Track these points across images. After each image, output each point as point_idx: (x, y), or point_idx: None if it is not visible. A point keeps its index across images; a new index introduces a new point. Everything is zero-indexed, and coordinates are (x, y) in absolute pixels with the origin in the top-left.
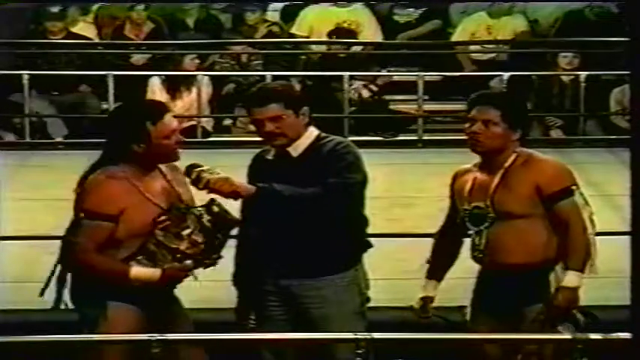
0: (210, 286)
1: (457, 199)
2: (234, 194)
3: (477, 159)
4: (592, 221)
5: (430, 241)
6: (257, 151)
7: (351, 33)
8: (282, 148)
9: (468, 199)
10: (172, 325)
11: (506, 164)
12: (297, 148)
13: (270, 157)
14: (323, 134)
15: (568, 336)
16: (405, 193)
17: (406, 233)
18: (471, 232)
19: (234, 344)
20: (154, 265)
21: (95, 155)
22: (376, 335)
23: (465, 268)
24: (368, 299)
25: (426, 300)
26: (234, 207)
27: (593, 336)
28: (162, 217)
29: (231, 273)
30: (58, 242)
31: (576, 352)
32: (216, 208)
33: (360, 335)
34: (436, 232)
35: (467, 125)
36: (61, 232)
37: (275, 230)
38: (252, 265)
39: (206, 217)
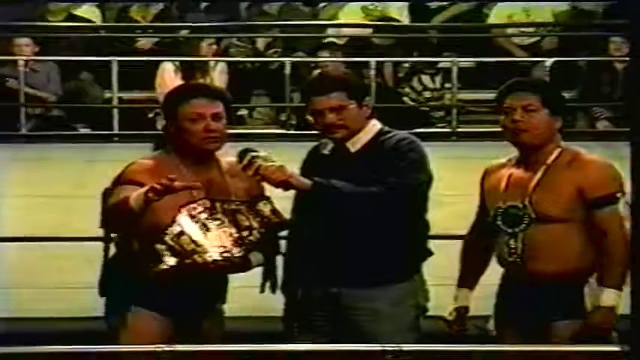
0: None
1: (488, 198)
2: (284, 184)
3: (512, 153)
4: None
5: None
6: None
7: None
8: (342, 141)
9: (503, 198)
10: (201, 337)
11: (549, 161)
12: (355, 144)
13: (326, 151)
14: (386, 129)
15: (617, 347)
16: (436, 190)
17: (437, 235)
18: (503, 234)
19: (249, 355)
20: (179, 250)
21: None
22: (405, 347)
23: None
24: (425, 311)
25: (460, 310)
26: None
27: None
28: (191, 206)
29: (281, 280)
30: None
31: None
32: (262, 206)
33: (388, 347)
34: (465, 235)
35: (502, 117)
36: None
37: (328, 231)
38: (301, 269)
39: (244, 213)
